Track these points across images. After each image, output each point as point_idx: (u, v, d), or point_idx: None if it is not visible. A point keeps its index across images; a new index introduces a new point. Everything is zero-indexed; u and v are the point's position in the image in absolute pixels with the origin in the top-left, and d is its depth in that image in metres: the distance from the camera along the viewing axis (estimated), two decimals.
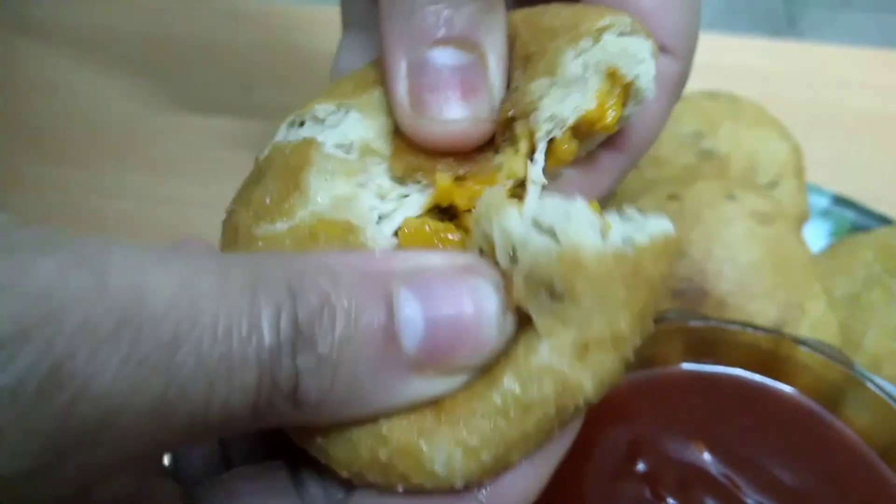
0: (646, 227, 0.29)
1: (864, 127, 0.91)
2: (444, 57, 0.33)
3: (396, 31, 0.34)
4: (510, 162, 0.34)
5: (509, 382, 0.29)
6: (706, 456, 0.51)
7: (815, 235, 0.73)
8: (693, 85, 0.74)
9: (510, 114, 0.34)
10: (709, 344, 0.56)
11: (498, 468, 0.29)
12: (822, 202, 0.75)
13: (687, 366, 0.56)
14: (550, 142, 0.35)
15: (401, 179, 0.35)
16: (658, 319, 0.56)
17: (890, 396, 0.51)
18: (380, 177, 0.35)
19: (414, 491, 0.30)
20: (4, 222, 0.23)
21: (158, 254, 0.25)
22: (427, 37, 0.33)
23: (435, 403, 0.30)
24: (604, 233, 0.29)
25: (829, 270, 0.64)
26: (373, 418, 0.29)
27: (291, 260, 0.28)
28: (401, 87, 0.33)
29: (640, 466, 0.50)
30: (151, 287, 0.24)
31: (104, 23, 1.07)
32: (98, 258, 0.24)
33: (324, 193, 0.33)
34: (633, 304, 0.28)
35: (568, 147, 0.35)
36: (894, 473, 0.51)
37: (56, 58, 1.00)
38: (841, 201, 0.75)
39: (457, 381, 0.29)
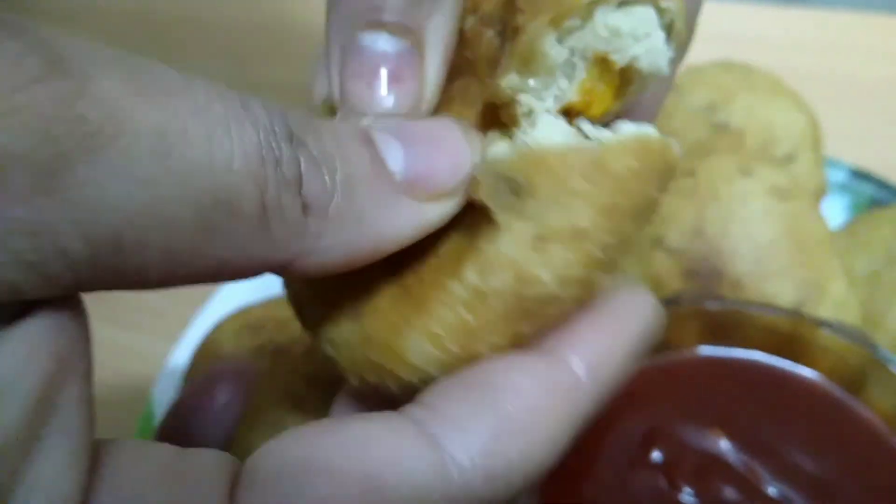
0: (620, 129, 0.28)
1: (880, 96, 0.88)
2: (374, 41, 0.31)
3: (333, 12, 0.32)
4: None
5: (469, 272, 0.28)
6: (724, 443, 0.49)
7: (834, 210, 0.71)
8: (704, 55, 0.71)
9: (491, 100, 0.31)
10: (725, 327, 0.53)
11: (467, 359, 0.29)
12: (839, 176, 0.73)
13: (703, 349, 0.54)
14: None
15: None
16: (671, 302, 0.54)
17: None
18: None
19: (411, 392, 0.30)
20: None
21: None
22: (360, 19, 0.31)
23: (408, 294, 0.30)
24: (574, 135, 0.29)
25: (849, 248, 0.62)
26: (367, 284, 0.30)
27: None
28: (333, 72, 0.31)
29: (656, 455, 0.49)
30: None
31: (96, 1, 1.04)
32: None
33: None
34: (596, 198, 0.27)
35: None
36: None
37: None
38: (859, 175, 0.73)
39: (447, 206, 0.29)
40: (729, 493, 0.47)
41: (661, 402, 0.52)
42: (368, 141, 0.28)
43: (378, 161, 0.28)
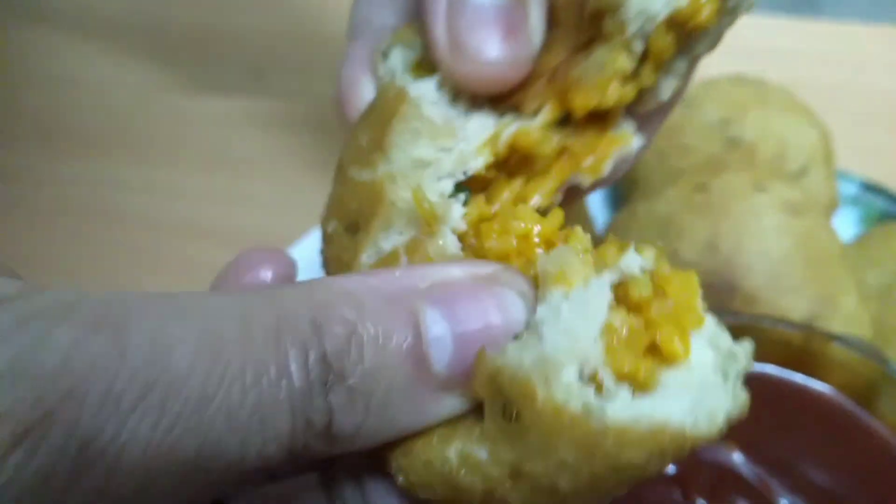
0: (639, 406, 0.25)
1: (892, 108, 0.88)
2: None
3: None
4: (612, 58, 0.31)
5: (452, 453, 0.28)
6: (738, 456, 0.50)
7: (845, 223, 0.71)
8: (716, 66, 0.72)
9: (597, 6, 0.31)
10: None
11: None
12: (851, 189, 0.73)
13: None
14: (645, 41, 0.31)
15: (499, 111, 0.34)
16: None
17: None
18: (465, 141, 0.34)
19: None
20: (18, 291, 0.22)
21: (177, 305, 0.24)
22: None
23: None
24: (585, 378, 0.26)
25: (861, 262, 0.63)
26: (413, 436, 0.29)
27: (312, 290, 0.27)
28: (439, 26, 0.32)
29: (670, 468, 0.49)
30: (173, 344, 0.23)
31: (113, 11, 1.05)
32: (115, 318, 0.23)
33: (403, 154, 0.33)
34: (582, 472, 0.25)
35: (664, 42, 0.31)
36: None
37: (67, 49, 0.99)
38: (870, 188, 0.73)
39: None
40: None
41: None
42: (414, 323, 0.27)
43: (422, 363, 0.27)
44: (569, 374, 0.25)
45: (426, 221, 0.31)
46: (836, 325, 0.55)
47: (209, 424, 0.23)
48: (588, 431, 0.25)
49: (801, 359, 0.54)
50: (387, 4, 0.45)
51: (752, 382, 0.57)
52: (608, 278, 0.28)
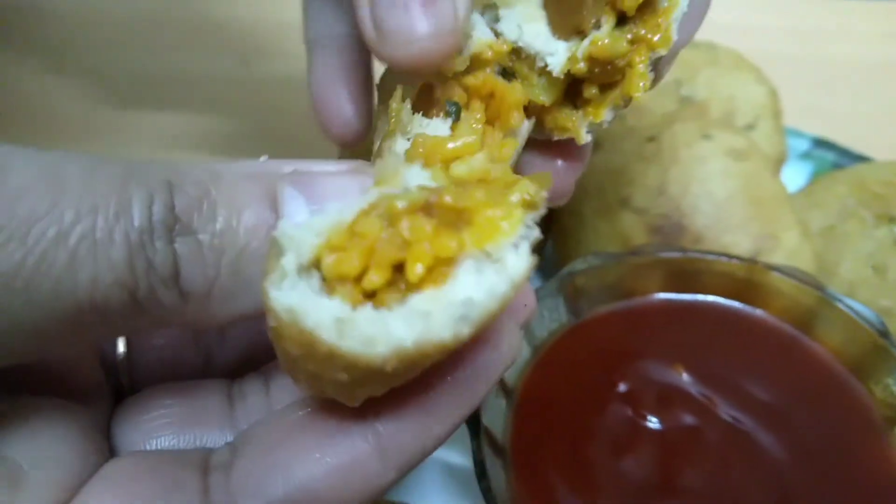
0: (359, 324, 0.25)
1: (843, 75, 0.93)
2: None
3: None
4: None
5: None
6: (684, 377, 0.54)
7: (797, 176, 0.75)
8: None
9: None
10: (686, 274, 0.58)
11: None
12: (802, 145, 0.77)
13: (665, 295, 0.58)
14: None
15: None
16: (635, 253, 0.59)
17: (859, 315, 0.54)
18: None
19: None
20: None
21: (24, 149, 0.25)
22: None
23: None
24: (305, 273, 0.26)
25: (806, 205, 0.67)
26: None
27: (172, 163, 0.28)
28: (363, 9, 0.32)
29: (621, 388, 0.53)
30: (13, 168, 0.24)
31: (99, 3, 1.09)
32: None
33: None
34: (321, 369, 0.26)
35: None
36: (863, 387, 0.53)
37: (53, 41, 1.03)
38: (821, 143, 0.77)
39: None
40: (688, 418, 0.52)
41: (626, 341, 0.57)
42: (271, 199, 0.28)
43: (273, 229, 0.27)
44: (288, 263, 0.26)
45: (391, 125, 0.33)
46: (779, 260, 0.59)
47: (34, 240, 0.23)
48: (298, 333, 0.25)
49: (744, 289, 0.58)
50: (338, 17, 0.47)
51: (699, 311, 0.61)
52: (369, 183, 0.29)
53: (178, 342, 0.38)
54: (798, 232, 0.61)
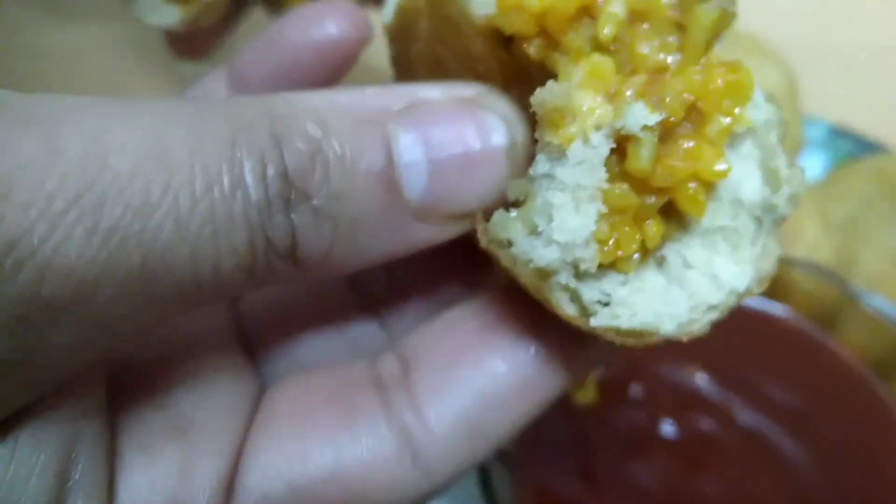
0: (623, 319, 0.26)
1: (861, 60, 0.90)
2: None
3: None
4: None
5: None
6: (701, 378, 0.52)
7: (814, 165, 0.73)
8: None
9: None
10: None
11: None
12: (820, 133, 0.75)
13: None
14: None
15: None
16: None
17: (881, 313, 0.52)
18: None
19: None
20: None
21: (123, 106, 0.22)
22: None
23: None
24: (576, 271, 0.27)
25: (825, 197, 0.64)
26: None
27: (273, 104, 0.25)
28: None
29: (635, 390, 0.51)
30: (113, 146, 0.21)
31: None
32: (50, 117, 0.21)
33: None
34: None
35: None
36: (887, 387, 0.51)
37: (36, 22, 1.00)
38: (838, 131, 0.75)
39: (465, 224, 0.28)
40: (706, 423, 0.50)
41: None
42: (386, 146, 0.26)
43: (394, 190, 0.26)
44: (561, 279, 0.26)
45: None
46: (799, 254, 0.57)
47: (153, 234, 0.21)
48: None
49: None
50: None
51: None
52: (606, 134, 0.25)
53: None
54: (818, 224, 0.58)
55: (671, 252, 0.27)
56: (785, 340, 0.54)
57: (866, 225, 0.61)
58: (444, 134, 0.26)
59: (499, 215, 0.26)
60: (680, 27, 0.26)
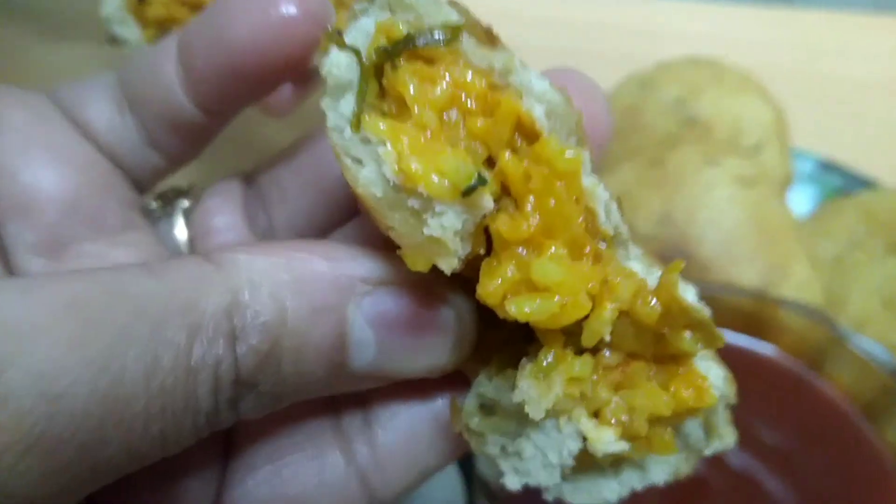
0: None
1: (850, 93, 0.91)
2: None
3: None
4: None
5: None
6: None
7: (803, 200, 0.73)
8: (678, 52, 0.74)
9: None
10: None
11: None
12: (809, 167, 0.75)
13: None
14: None
15: None
16: None
17: (870, 355, 0.52)
18: None
19: None
20: None
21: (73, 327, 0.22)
22: None
23: None
24: None
25: (813, 234, 0.64)
26: None
27: (231, 273, 0.25)
28: None
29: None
30: (65, 389, 0.21)
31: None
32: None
33: None
34: None
35: None
36: (875, 429, 0.51)
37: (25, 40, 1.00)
38: (826, 166, 0.75)
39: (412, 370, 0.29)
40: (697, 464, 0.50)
41: None
42: (341, 344, 0.26)
43: (341, 364, 0.27)
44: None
45: None
46: (788, 293, 0.57)
47: (105, 461, 0.22)
48: None
49: (752, 324, 0.55)
50: None
51: None
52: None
53: None
54: (807, 264, 0.58)
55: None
56: (773, 380, 0.54)
57: (854, 263, 0.61)
58: (398, 316, 0.27)
59: (480, 421, 0.29)
60: (659, 337, 0.29)
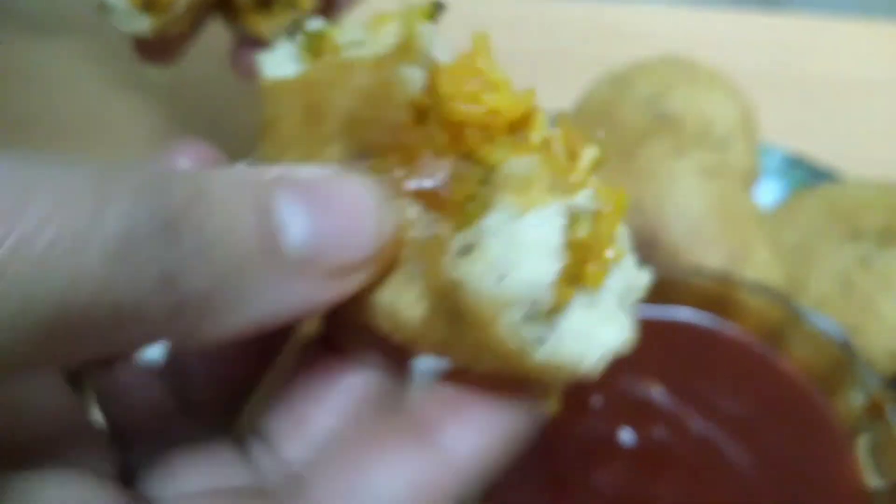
0: (556, 348, 0.28)
1: (819, 91, 0.95)
2: None
3: None
4: None
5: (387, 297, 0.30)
6: (657, 391, 0.55)
7: (770, 193, 0.77)
8: (652, 54, 0.78)
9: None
10: (660, 289, 0.59)
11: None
12: (776, 161, 0.79)
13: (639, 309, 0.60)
14: None
15: None
16: None
17: (825, 333, 0.56)
18: None
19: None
20: None
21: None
22: None
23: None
24: (531, 314, 0.27)
25: (777, 223, 0.68)
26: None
27: (161, 166, 0.26)
28: None
29: (594, 400, 0.54)
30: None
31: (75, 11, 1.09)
32: None
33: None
34: (496, 365, 0.29)
35: None
36: (829, 400, 0.55)
37: (34, 45, 1.03)
38: (793, 160, 0.79)
39: (351, 282, 0.28)
40: (659, 431, 0.53)
41: None
42: (265, 211, 0.26)
43: (270, 238, 0.26)
44: (516, 314, 0.27)
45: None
46: (750, 275, 0.61)
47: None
48: (514, 357, 0.27)
49: (716, 304, 0.59)
50: None
51: (673, 327, 0.62)
52: (563, 209, 0.27)
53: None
54: (768, 250, 0.62)
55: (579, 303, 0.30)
56: (734, 356, 0.57)
57: (815, 250, 0.65)
58: (329, 193, 0.27)
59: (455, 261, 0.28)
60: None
